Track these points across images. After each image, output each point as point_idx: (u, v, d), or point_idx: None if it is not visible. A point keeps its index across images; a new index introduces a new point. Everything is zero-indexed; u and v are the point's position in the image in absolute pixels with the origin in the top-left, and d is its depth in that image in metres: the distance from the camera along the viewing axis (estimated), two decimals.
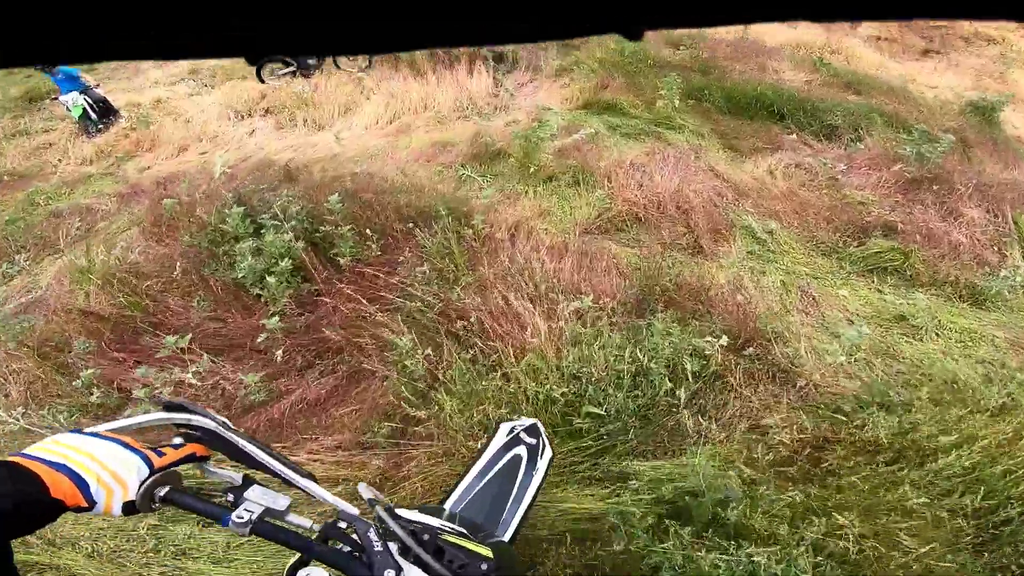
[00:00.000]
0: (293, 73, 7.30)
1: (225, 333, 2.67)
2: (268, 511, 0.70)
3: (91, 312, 2.83)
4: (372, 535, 0.69)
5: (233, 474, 0.75)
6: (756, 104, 6.23)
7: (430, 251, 3.00)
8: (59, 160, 6.60)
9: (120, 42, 0.23)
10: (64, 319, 2.85)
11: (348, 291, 2.83)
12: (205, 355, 2.44)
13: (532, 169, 4.36)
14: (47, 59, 0.24)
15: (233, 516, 0.68)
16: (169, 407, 0.74)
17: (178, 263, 3.00)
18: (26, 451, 0.62)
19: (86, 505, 0.62)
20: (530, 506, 1.34)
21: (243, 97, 6.87)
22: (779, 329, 2.93)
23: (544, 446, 1.46)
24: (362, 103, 6.13)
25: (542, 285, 2.83)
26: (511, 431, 1.46)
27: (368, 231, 3.09)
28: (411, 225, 3.23)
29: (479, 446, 1.60)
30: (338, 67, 7.21)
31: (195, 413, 0.74)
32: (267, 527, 0.69)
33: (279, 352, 2.46)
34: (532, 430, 1.48)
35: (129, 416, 0.74)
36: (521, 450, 1.42)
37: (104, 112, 7.10)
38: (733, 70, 7.24)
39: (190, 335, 2.44)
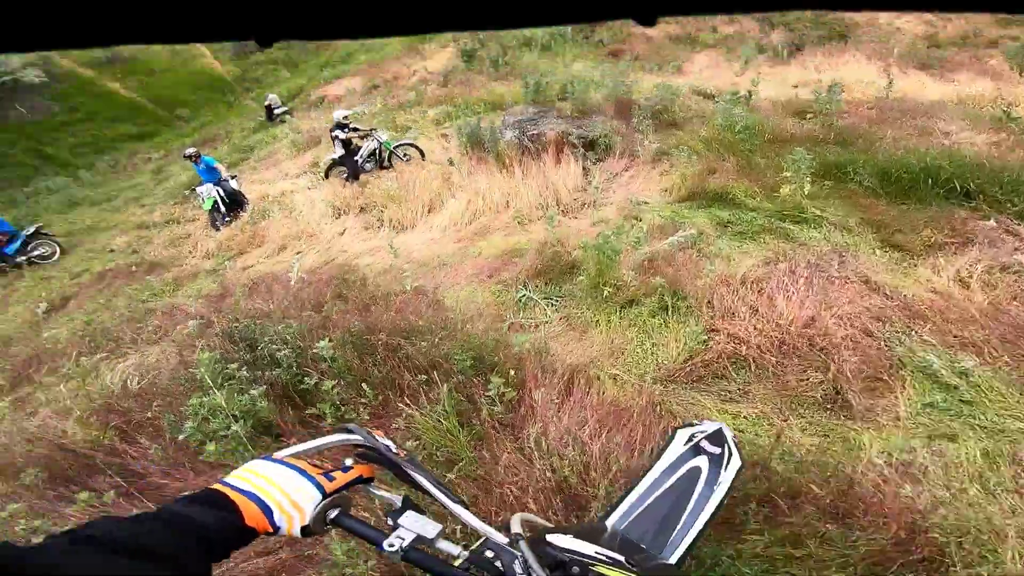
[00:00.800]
0: (350, 176, 7.57)
1: (167, 490, 2.34)
2: (419, 538, 0.73)
3: (60, 443, 2.72)
4: (518, 567, 0.70)
5: (393, 496, 0.79)
6: (925, 180, 4.77)
7: (423, 425, 2.35)
8: (190, 252, 7.37)
9: (126, 25, 0.24)
10: (37, 444, 2.77)
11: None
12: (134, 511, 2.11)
13: (606, 291, 3.58)
14: (50, 44, 0.26)
15: (385, 544, 0.72)
16: (344, 430, 0.82)
17: (155, 401, 2.79)
18: (226, 479, 0.70)
19: (272, 531, 0.69)
20: (707, 525, 1.18)
21: (344, 193, 7.17)
22: (979, 539, 1.76)
23: (731, 454, 1.29)
24: (447, 200, 5.94)
25: (573, 477, 2.01)
26: (689, 439, 1.32)
27: (365, 385, 2.60)
28: (424, 378, 2.64)
29: (649, 454, 1.28)
30: (423, 156, 7.29)
31: (367, 436, 0.81)
32: (417, 554, 0.71)
33: None
34: (716, 437, 1.32)
35: (311, 440, 0.81)
36: (701, 461, 1.28)
37: (232, 205, 7.91)
38: (883, 137, 5.85)
39: (113, 492, 2.19)
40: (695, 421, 1.48)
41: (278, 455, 0.76)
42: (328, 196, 7.21)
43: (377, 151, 7.62)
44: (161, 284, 5.92)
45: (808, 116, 6.67)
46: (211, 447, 2.23)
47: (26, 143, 15.60)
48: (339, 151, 7.52)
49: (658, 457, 1.34)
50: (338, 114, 7.66)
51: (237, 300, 4.24)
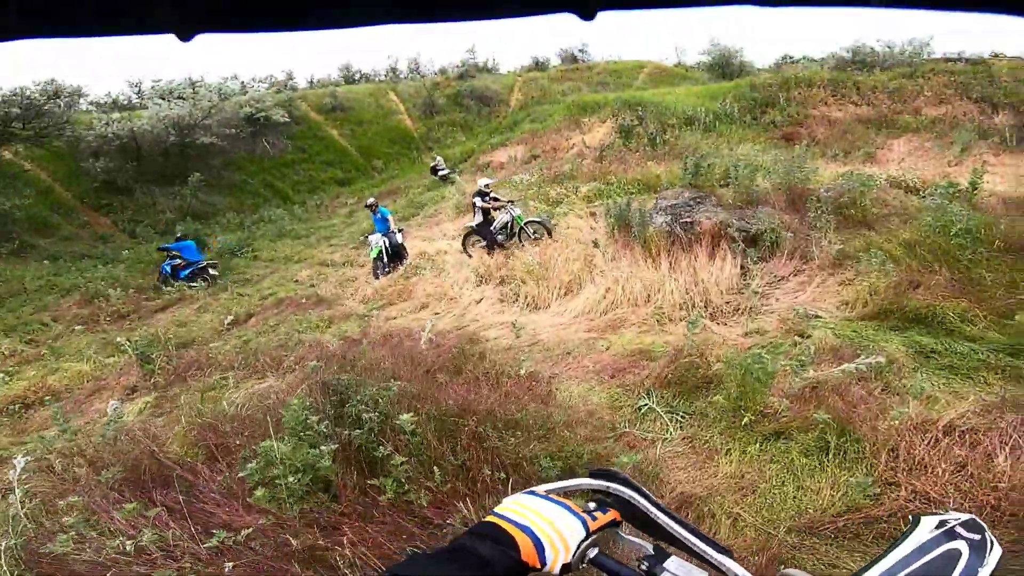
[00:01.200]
0: (488, 245, 7.71)
1: (213, 519, 2.35)
2: None
3: (152, 449, 2.92)
4: None
5: (644, 543, 0.78)
6: None
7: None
8: (351, 295, 8.26)
9: (60, 16, 0.25)
10: (136, 445, 3.01)
11: (373, 531, 2.24)
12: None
13: (747, 417, 2.95)
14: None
15: None
16: (597, 475, 0.83)
17: (246, 431, 2.90)
18: (499, 511, 0.72)
19: (539, 567, 0.67)
20: None
21: (490, 262, 7.46)
22: None
23: (992, 543, 1.10)
24: (586, 284, 5.77)
25: None
26: (940, 524, 1.12)
27: (437, 467, 2.46)
28: (502, 476, 2.37)
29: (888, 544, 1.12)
30: (550, 235, 7.23)
31: (621, 482, 0.81)
32: None
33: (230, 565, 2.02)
34: (971, 525, 1.13)
35: (568, 480, 0.85)
36: (960, 545, 1.09)
37: (395, 256, 8.76)
38: None
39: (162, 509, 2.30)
40: (940, 511, 1.32)
41: (541, 489, 0.78)
42: (475, 262, 7.57)
43: (509, 224, 7.79)
44: (319, 319, 6.64)
45: None
46: (259, 492, 2.27)
47: (263, 176, 19.22)
48: (478, 218, 7.83)
49: (897, 544, 1.18)
50: (481, 182, 8.05)
51: (363, 350, 4.47)
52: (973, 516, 1.23)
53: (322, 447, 2.54)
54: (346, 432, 2.78)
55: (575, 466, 2.61)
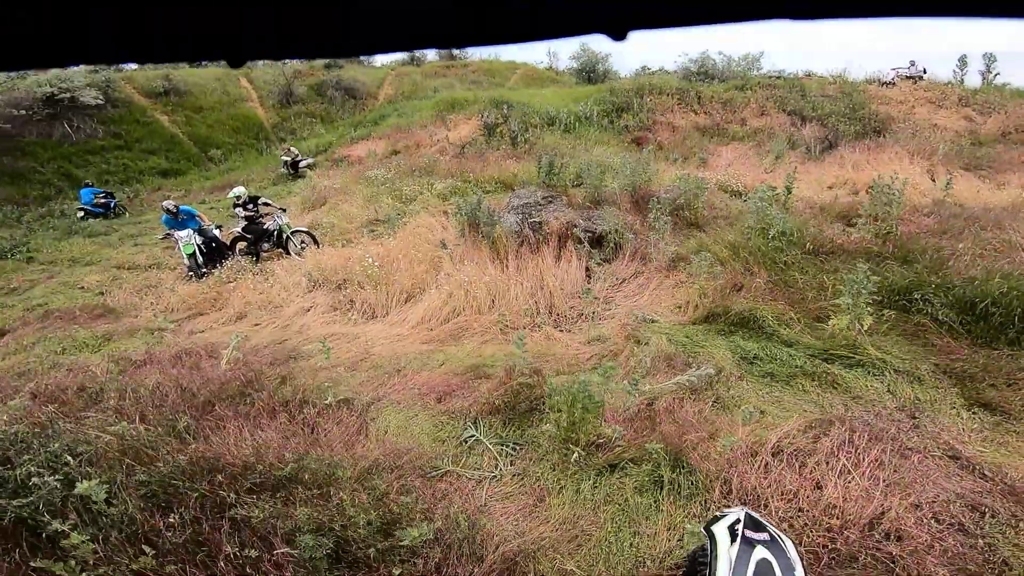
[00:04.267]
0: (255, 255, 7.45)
1: None
2: None
3: None
4: None
5: None
6: (1023, 314, 3.75)
7: None
8: (151, 304, 6.65)
9: (103, 45, 0.26)
10: None
11: None
12: None
13: (576, 453, 2.60)
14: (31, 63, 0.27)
15: None
16: None
17: None
18: None
19: None
20: None
21: (329, 263, 6.48)
22: None
23: (780, 536, 1.22)
24: (430, 289, 5.15)
25: None
26: (732, 534, 1.22)
27: (149, 546, 1.85)
28: (252, 554, 1.80)
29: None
30: (317, 246, 6.87)
31: None
32: None
33: None
34: (751, 523, 1.24)
35: None
36: (763, 553, 1.18)
37: (213, 254, 7.34)
38: (956, 252, 4.84)
39: None
40: (718, 514, 1.34)
41: None
42: (310, 265, 6.54)
43: (276, 233, 7.59)
44: (91, 336, 5.15)
45: (854, 222, 5.77)
46: None
47: (59, 163, 15.52)
48: (241, 225, 7.69)
49: (715, 562, 1.21)
50: (234, 191, 8.18)
51: (110, 381, 3.37)
52: (746, 510, 1.31)
53: None
54: (10, 501, 1.90)
55: (353, 539, 1.97)
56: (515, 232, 5.53)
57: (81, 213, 12.23)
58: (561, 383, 2.72)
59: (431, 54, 28.21)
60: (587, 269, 4.92)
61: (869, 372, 3.52)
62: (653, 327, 3.94)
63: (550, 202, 6.07)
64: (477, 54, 29.12)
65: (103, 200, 12.70)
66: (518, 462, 2.69)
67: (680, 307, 4.26)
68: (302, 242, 7.46)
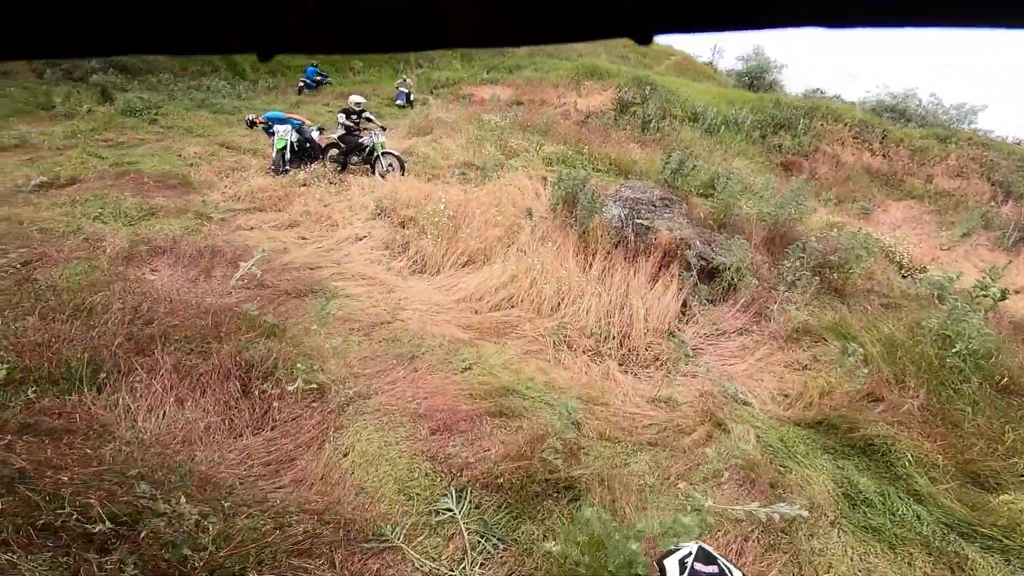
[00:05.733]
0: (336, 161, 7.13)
1: None
2: None
3: None
4: None
5: None
6: None
7: None
8: (226, 187, 6.53)
9: (131, 36, 0.25)
10: None
11: None
12: None
13: None
14: (60, 52, 0.26)
15: None
16: None
17: None
18: None
19: None
20: None
21: (404, 195, 5.93)
22: None
23: (729, 570, 1.16)
24: (495, 260, 4.40)
25: None
26: (683, 568, 1.16)
27: None
28: None
29: None
30: (403, 173, 5.93)
31: None
32: None
33: None
34: (703, 555, 1.18)
35: None
36: None
37: (301, 154, 7.13)
38: None
39: None
40: (672, 547, 1.29)
41: None
42: (385, 191, 6.03)
43: (369, 149, 7.23)
44: (135, 207, 5.01)
45: None
46: None
47: None
48: (339, 133, 7.32)
49: None
50: (352, 99, 7.52)
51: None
52: (699, 544, 1.26)
53: None
54: None
55: None
56: (614, 228, 4.57)
57: (301, 84, 14.56)
58: (600, 469, 1.86)
59: None
60: (684, 303, 3.89)
61: (1015, 566, 2.35)
62: (743, 412, 2.92)
63: (667, 206, 5.00)
64: None
65: (318, 79, 15.09)
66: (494, 566, 1.92)
67: (787, 396, 3.15)
68: (389, 164, 7.05)
